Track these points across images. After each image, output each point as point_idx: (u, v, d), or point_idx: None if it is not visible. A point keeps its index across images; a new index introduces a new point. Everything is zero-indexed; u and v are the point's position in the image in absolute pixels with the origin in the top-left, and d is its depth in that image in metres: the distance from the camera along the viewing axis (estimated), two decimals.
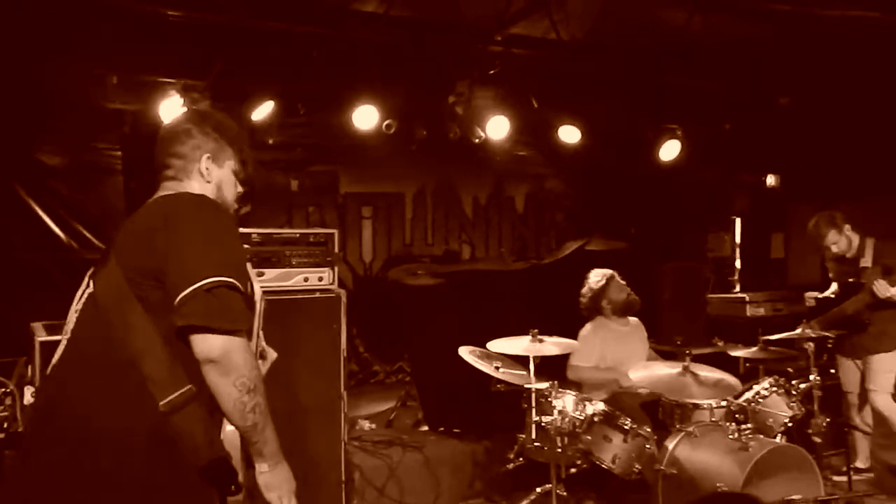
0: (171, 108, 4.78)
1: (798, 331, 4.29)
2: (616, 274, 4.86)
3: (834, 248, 4.74)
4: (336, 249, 4.47)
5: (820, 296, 5.04)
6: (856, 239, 4.75)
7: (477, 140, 5.99)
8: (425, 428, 5.46)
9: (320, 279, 4.40)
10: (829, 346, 4.80)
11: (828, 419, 4.12)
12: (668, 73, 5.81)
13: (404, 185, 7.33)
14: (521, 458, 4.16)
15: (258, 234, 4.18)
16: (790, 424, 4.08)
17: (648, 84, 6.02)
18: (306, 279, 4.32)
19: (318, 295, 4.38)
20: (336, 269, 4.48)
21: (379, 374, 7.10)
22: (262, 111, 5.19)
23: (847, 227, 4.74)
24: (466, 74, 5.47)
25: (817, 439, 4.06)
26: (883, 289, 4.42)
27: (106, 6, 4.38)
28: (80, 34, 4.56)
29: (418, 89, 5.66)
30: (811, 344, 4.22)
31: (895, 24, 4.28)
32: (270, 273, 4.14)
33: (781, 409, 4.11)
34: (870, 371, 4.72)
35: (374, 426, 5.49)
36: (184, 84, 4.79)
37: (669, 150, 6.44)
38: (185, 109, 4.46)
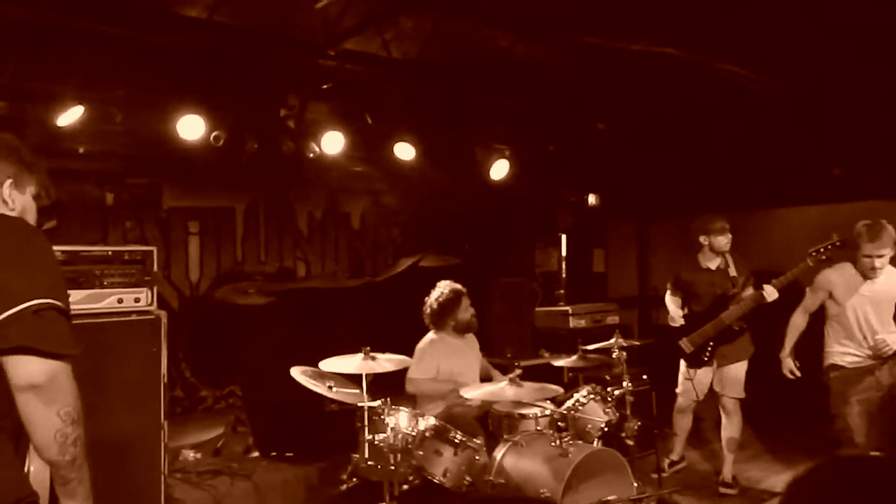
0: None
1: (612, 340, 4.57)
2: (465, 292, 4.91)
3: (726, 247, 4.99)
4: (155, 268, 4.20)
5: (683, 313, 5.16)
6: None
7: (311, 155, 5.88)
8: (256, 454, 5.25)
9: (137, 300, 4.13)
10: (706, 357, 4.99)
11: (639, 422, 4.40)
12: (495, 94, 6.05)
13: (235, 199, 7.02)
14: (354, 479, 4.10)
15: (63, 251, 3.82)
16: (606, 429, 4.34)
17: (478, 104, 6.24)
18: (121, 300, 4.03)
19: (134, 317, 4.10)
20: (155, 288, 4.21)
21: (207, 399, 6.73)
22: (71, 116, 4.76)
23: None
24: (299, 88, 5.37)
25: (630, 442, 4.33)
26: (772, 292, 4.65)
27: None
28: None
29: (248, 101, 5.46)
30: (623, 353, 4.51)
31: (691, 60, 4.76)
32: (78, 294, 3.81)
33: (598, 415, 4.36)
34: (727, 379, 5.00)
35: (199, 456, 5.19)
36: None
37: (499, 169, 6.72)
38: None
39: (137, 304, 4.11)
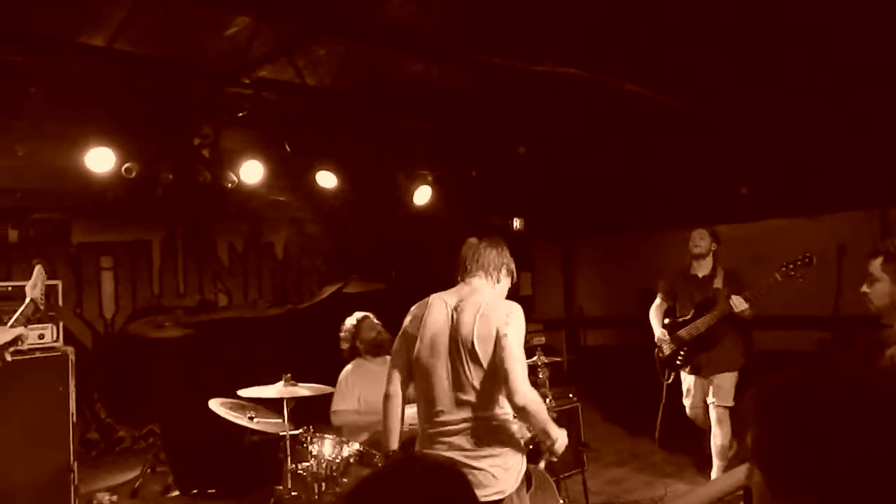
0: None
1: (534, 358, 4.62)
2: (370, 315, 4.88)
3: (695, 251, 5.11)
4: (61, 302, 4.03)
5: (667, 322, 5.24)
6: (712, 260, 5.13)
7: (230, 185, 5.77)
8: (176, 493, 5.05)
9: (41, 337, 3.95)
10: (679, 362, 5.09)
11: None
12: (414, 120, 6.10)
13: (150, 232, 6.82)
14: None
15: None
16: (531, 446, 4.33)
17: (398, 130, 6.28)
18: None
19: (38, 355, 3.92)
20: (61, 324, 4.04)
21: (125, 440, 6.44)
22: None
23: (715, 245, 5.14)
24: (212, 116, 5.28)
25: (554, 459, 4.33)
26: (740, 303, 4.73)
27: None
28: None
29: (160, 130, 5.33)
30: (546, 370, 4.55)
31: (597, 81, 4.91)
32: None
33: (523, 433, 4.36)
34: (714, 388, 5.01)
35: (115, 499, 4.96)
36: None
37: (422, 195, 6.75)
38: None
39: (42, 341, 3.95)
